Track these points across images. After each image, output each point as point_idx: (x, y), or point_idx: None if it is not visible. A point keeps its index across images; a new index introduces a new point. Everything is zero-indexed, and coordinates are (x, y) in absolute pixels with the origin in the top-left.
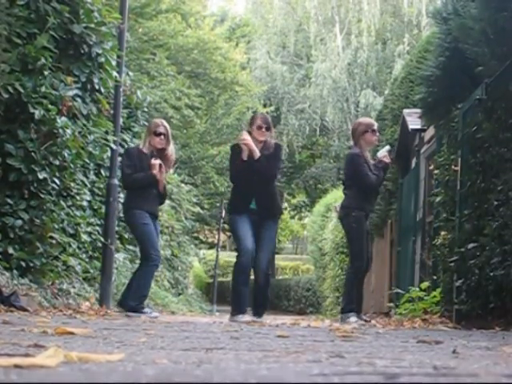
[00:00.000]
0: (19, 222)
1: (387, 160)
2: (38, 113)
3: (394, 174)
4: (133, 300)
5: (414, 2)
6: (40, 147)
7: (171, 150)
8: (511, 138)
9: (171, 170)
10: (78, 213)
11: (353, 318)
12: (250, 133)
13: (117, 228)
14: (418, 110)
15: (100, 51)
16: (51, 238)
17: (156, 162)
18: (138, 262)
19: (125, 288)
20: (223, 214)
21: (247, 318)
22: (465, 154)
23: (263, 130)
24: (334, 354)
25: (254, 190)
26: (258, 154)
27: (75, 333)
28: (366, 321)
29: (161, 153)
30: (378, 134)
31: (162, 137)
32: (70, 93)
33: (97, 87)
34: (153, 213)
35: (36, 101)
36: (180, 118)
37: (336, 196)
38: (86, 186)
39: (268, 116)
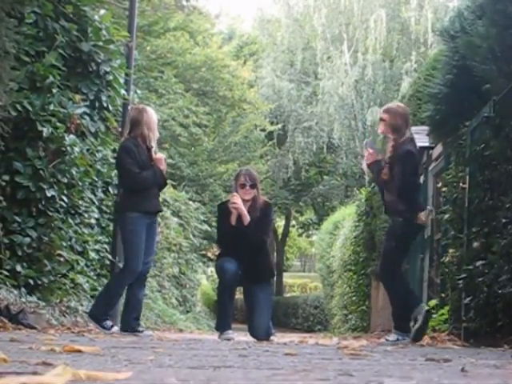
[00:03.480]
0: (27, 240)
1: (427, 222)
2: (46, 131)
3: None
4: (96, 307)
5: (421, 20)
6: (48, 165)
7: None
8: None
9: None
10: (86, 230)
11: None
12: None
13: None
14: (426, 128)
15: (108, 69)
16: (59, 255)
17: (161, 156)
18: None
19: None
20: None
21: (235, 335)
22: (473, 172)
23: (247, 187)
24: (343, 372)
25: (244, 256)
26: (248, 219)
27: (83, 351)
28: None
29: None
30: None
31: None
32: (78, 111)
33: (105, 105)
34: (155, 211)
35: (44, 119)
36: (188, 135)
37: (344, 213)
38: (94, 203)
39: (253, 171)
